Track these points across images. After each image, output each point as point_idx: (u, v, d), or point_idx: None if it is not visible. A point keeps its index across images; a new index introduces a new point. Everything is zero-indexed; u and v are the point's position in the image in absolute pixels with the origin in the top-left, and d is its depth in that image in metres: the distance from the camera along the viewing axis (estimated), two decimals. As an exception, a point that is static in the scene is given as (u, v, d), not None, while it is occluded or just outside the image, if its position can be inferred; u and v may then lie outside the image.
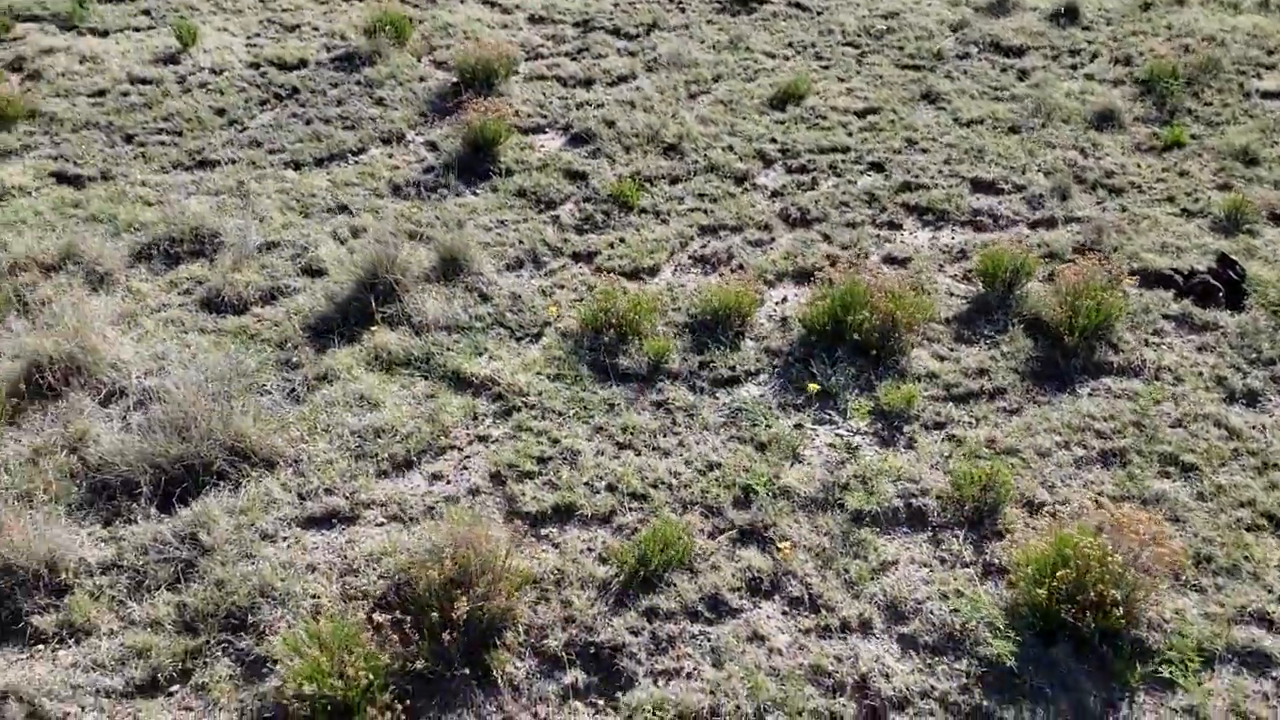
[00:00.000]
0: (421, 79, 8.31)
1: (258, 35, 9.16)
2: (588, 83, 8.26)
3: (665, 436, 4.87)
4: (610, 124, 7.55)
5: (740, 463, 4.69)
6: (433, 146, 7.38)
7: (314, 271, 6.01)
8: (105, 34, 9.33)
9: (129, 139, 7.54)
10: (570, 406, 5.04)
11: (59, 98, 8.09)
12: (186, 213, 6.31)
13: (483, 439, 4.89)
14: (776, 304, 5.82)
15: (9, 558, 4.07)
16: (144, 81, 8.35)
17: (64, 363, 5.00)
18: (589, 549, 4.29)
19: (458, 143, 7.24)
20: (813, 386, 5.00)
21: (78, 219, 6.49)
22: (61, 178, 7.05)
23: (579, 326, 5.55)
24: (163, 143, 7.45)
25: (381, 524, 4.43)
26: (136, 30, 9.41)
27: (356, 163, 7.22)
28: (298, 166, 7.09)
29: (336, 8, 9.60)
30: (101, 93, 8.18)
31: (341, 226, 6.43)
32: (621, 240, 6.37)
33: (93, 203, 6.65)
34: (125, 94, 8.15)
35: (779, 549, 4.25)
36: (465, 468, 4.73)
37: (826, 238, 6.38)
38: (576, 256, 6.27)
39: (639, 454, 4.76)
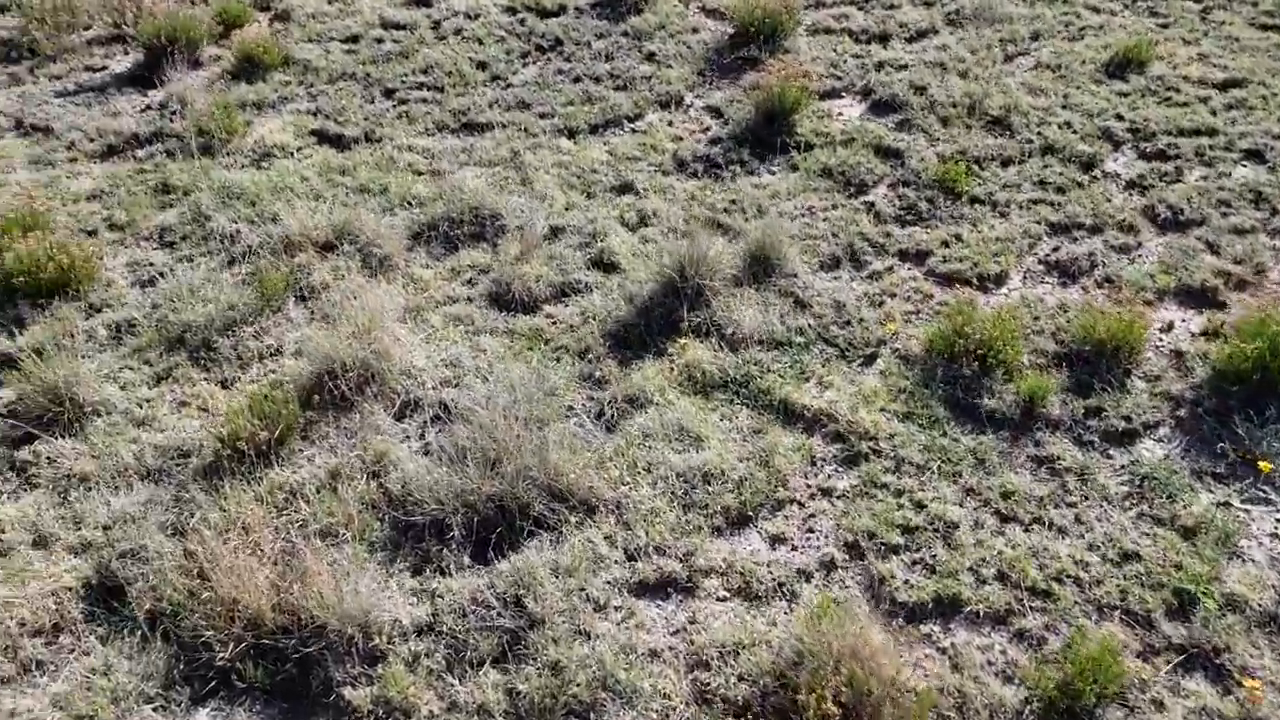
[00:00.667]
0: (694, 30, 7.44)
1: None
2: (883, 38, 7.20)
3: (1056, 508, 3.98)
4: (920, 90, 6.52)
5: (1164, 554, 3.76)
6: (716, 113, 6.53)
7: (605, 265, 5.31)
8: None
9: (389, 94, 6.98)
10: (930, 458, 4.20)
11: (311, 43, 7.62)
12: (464, 189, 5.69)
13: (826, 492, 4.11)
14: (1162, 332, 4.77)
15: (319, 615, 3.56)
16: (397, 26, 7.78)
17: (358, 369, 4.46)
18: (988, 661, 3.48)
19: (748, 109, 6.37)
20: (1265, 466, 3.98)
21: (346, 188, 5.97)
22: (323, 137, 6.57)
23: (923, 349, 4.67)
24: (425, 100, 6.86)
25: (724, 599, 3.74)
26: (381, -32, 8.82)
27: (634, 130, 6.46)
28: (572, 134, 6.37)
29: None
30: (354, 38, 7.65)
31: (629, 210, 5.70)
32: (956, 237, 5.41)
33: (360, 170, 6.13)
34: (379, 40, 7.60)
35: (1242, 686, 3.32)
36: (811, 530, 3.98)
37: (1211, 247, 5.26)
38: (903, 256, 5.35)
39: (1028, 530, 3.89)
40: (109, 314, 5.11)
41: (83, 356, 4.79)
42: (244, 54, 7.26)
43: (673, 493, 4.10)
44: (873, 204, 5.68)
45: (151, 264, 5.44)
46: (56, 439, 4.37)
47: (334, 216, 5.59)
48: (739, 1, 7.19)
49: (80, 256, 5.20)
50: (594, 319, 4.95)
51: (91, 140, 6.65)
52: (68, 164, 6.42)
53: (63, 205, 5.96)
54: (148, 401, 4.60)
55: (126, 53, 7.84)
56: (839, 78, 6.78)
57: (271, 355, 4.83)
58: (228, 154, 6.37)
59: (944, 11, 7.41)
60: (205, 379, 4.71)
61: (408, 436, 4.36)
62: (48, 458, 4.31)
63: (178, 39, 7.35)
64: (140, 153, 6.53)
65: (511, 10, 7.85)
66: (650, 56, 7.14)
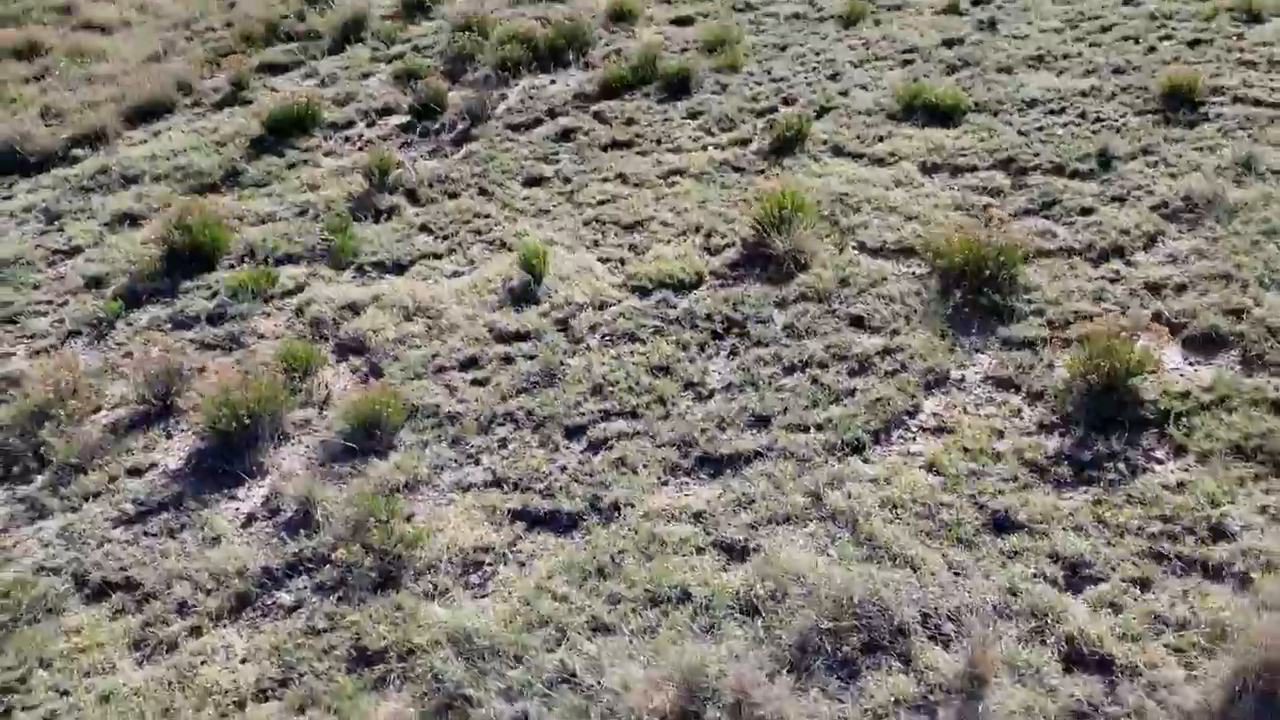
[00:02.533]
0: (883, 279, 6.27)
1: (598, 243, 7.15)
2: (1116, 252, 6.26)
3: None
4: (1236, 314, 5.51)
5: None
6: (1009, 386, 5.36)
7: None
8: (399, 268, 7.30)
9: (571, 433, 5.48)
10: None
11: (418, 379, 6.04)
12: (797, 569, 4.20)
13: None
14: None
15: None
16: (516, 336, 6.34)
17: None
18: None
19: (1056, 377, 5.17)
20: None
21: (618, 602, 4.35)
22: (531, 518, 5.02)
23: None
24: (625, 433, 5.38)
25: None
26: (434, 258, 7.38)
27: (925, 429, 5.16)
28: (856, 449, 5.00)
29: (681, 190, 7.61)
30: (471, 361, 6.13)
31: (1041, 557, 4.32)
32: None
33: (622, 565, 4.58)
34: (506, 359, 6.12)
35: None
36: None
37: None
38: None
39: None
40: None
41: None
42: (355, 414, 5.58)
43: None
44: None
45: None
46: None
47: (663, 662, 3.95)
48: (944, 242, 6.06)
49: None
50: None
51: (209, 592, 4.80)
52: (191, 638, 4.53)
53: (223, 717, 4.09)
54: None
55: (169, 434, 6.01)
56: (1120, 312, 5.68)
57: None
58: (419, 577, 4.66)
59: (1151, 209, 6.50)
60: None
61: None
62: None
63: (259, 414, 5.61)
64: (286, 597, 4.72)
65: (640, 291, 6.53)
66: (859, 322, 5.92)
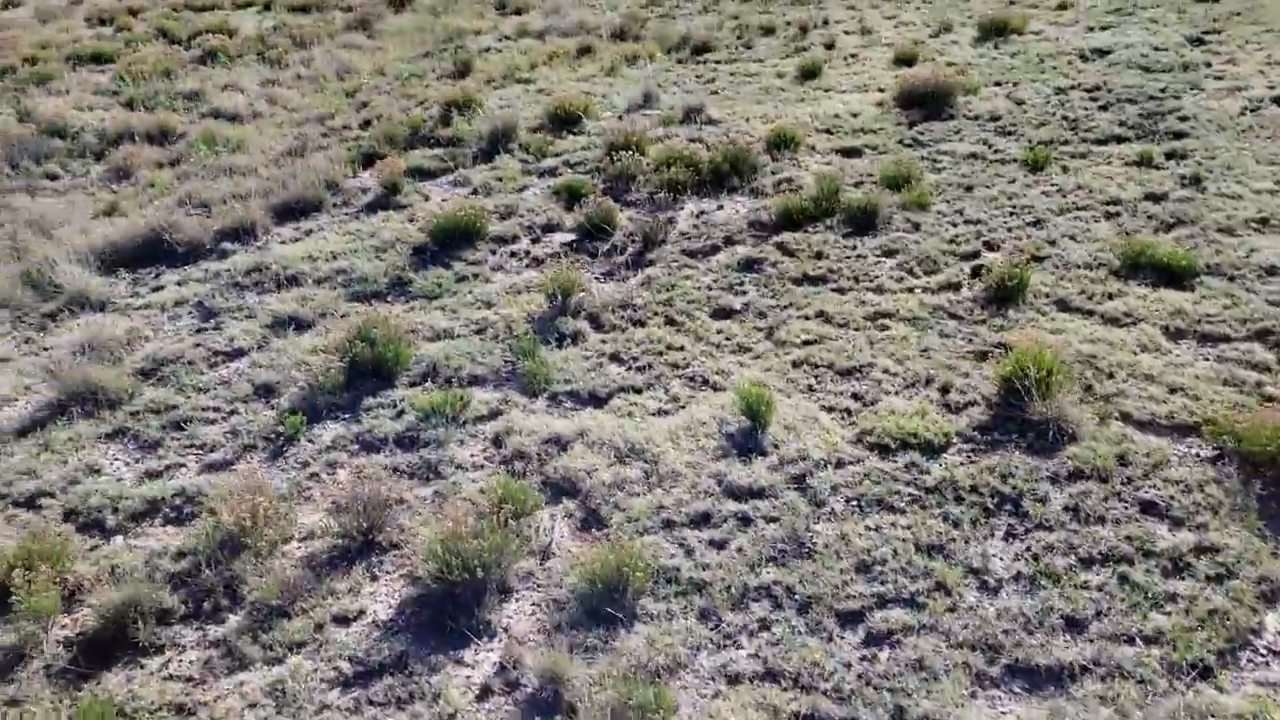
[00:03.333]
0: (1165, 461, 5.64)
1: (813, 388, 6.60)
2: None
3: None
4: None
5: None
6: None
7: None
8: (597, 401, 6.78)
9: (846, 619, 4.77)
10: None
11: (646, 535, 5.43)
12: None
13: None
14: None
15: None
16: (750, 493, 5.74)
17: None
18: None
19: None
20: None
21: None
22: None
23: None
24: (910, 625, 4.68)
25: None
26: (634, 392, 6.87)
27: (1275, 655, 4.43)
28: (1205, 674, 4.28)
29: (895, 335, 7.08)
30: (703, 518, 5.51)
31: None
32: None
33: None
34: (742, 520, 5.52)
35: None
36: None
37: None
38: None
39: None
40: None
41: None
42: (591, 573, 4.97)
43: None
44: None
45: None
46: None
47: None
48: (1237, 423, 5.44)
49: None
50: None
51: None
52: None
53: None
54: None
55: (373, 575, 5.42)
56: None
57: None
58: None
59: None
60: None
61: None
62: None
63: (484, 562, 5.02)
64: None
65: (880, 449, 5.95)
66: (1152, 510, 5.27)
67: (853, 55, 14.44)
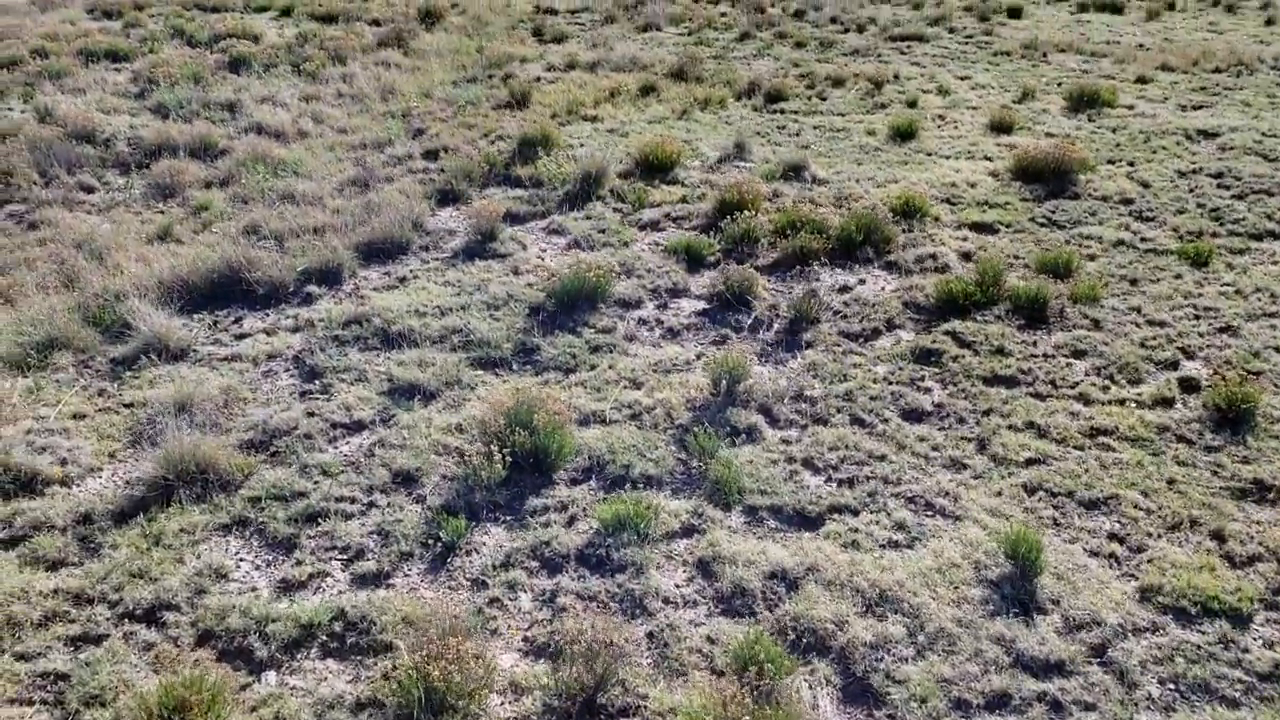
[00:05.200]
0: None
1: (1058, 522, 5.76)
2: None
3: None
4: None
5: None
6: None
7: None
8: (805, 521, 5.90)
9: None
10: None
11: (941, 717, 4.45)
12: None
13: None
14: None
15: None
16: (1046, 667, 4.77)
17: None
18: None
19: None
20: None
21: None
22: None
23: None
24: None
25: None
26: (849, 513, 5.96)
27: None
28: None
29: (1126, 459, 6.27)
30: (1002, 699, 4.60)
31: None
32: None
33: None
34: (1053, 705, 4.56)
35: None
36: None
37: None
38: None
39: None
40: None
41: None
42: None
43: None
44: None
45: None
46: None
47: None
48: None
49: None
50: None
51: None
52: None
53: None
54: None
55: None
56: None
57: None
58: None
59: None
60: None
61: None
62: None
63: None
64: None
65: (1176, 614, 5.13)
66: None
67: (940, 117, 13.80)
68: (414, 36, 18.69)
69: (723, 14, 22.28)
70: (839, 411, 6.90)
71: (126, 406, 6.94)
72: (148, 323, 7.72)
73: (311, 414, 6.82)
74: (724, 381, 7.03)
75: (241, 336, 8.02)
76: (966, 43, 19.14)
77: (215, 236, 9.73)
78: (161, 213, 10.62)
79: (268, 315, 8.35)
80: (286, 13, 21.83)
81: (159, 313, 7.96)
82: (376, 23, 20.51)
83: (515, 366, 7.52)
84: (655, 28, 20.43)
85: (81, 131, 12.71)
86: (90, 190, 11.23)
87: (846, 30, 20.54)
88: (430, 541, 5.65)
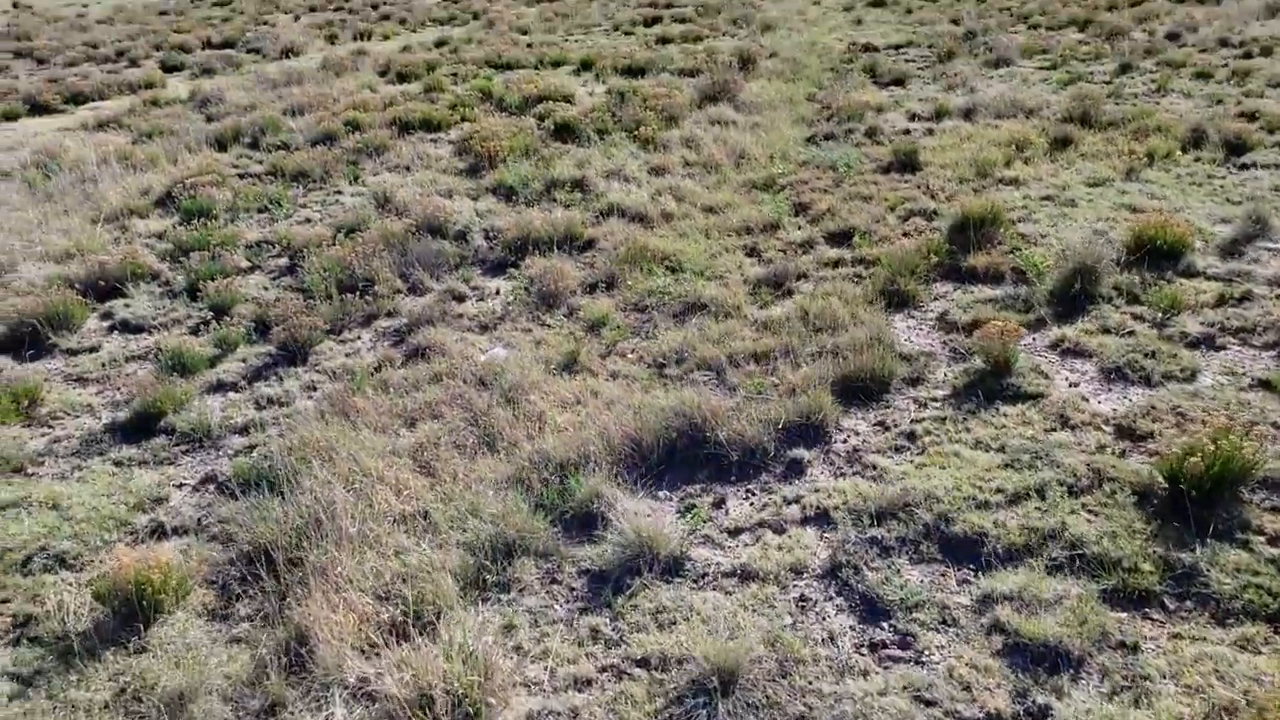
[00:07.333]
0: None
1: None
2: None
3: None
4: None
5: None
6: None
7: None
8: None
9: None
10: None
11: None
12: None
13: None
14: None
15: None
16: None
17: None
18: None
19: None
20: None
21: None
22: None
23: None
24: None
25: None
26: None
27: None
28: None
29: None
30: None
31: None
32: None
33: None
34: None
35: None
36: None
37: None
38: None
39: None
40: None
41: None
42: None
43: None
44: None
45: None
46: None
47: None
48: None
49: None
50: None
51: None
52: None
53: None
54: None
55: None
56: None
57: None
58: None
59: None
60: None
61: None
62: None
63: None
64: None
65: None
66: None
67: None
68: (739, 88, 16.61)
69: (1081, 42, 19.14)
70: None
71: (639, 665, 4.80)
72: (621, 514, 5.63)
73: (924, 700, 4.43)
74: None
75: (735, 532, 5.82)
76: None
77: (633, 366, 7.70)
78: (547, 325, 8.74)
79: (752, 494, 6.16)
80: (586, 66, 20.35)
81: (626, 496, 5.87)
82: (689, 73, 18.63)
83: (1170, 605, 4.91)
84: (1007, 62, 17.55)
85: (430, 222, 11.17)
86: (460, 299, 9.54)
87: (1249, 55, 16.99)
88: None
